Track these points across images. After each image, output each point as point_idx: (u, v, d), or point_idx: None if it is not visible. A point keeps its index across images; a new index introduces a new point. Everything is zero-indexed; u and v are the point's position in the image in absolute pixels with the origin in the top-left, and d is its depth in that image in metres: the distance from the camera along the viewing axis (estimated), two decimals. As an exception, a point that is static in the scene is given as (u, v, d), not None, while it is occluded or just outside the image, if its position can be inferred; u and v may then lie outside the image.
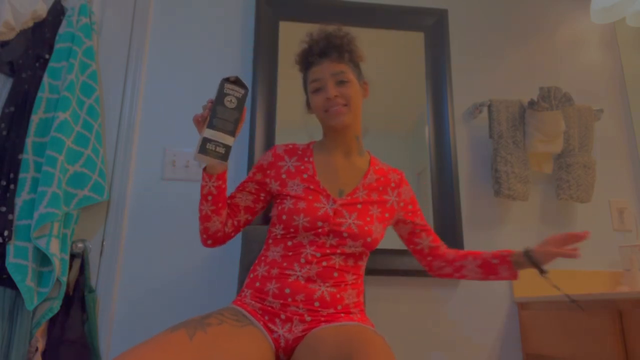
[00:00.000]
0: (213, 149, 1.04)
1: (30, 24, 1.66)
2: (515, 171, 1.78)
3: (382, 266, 1.69)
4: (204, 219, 1.15)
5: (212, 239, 1.18)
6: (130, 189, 1.69)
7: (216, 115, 1.05)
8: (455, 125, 1.93)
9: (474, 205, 1.85)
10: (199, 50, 1.86)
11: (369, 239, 1.14)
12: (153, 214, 1.68)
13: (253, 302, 1.10)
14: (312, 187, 1.18)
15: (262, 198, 1.25)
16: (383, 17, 1.97)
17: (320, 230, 1.12)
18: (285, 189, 1.19)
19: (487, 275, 1.21)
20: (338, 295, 1.10)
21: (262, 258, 1.17)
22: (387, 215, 1.22)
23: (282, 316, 1.06)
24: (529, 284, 1.77)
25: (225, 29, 1.90)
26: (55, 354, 1.43)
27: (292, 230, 1.13)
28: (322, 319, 1.07)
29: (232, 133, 1.06)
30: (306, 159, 1.23)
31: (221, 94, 1.06)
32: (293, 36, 1.90)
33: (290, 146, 1.28)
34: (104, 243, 1.61)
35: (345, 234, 1.12)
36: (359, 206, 1.17)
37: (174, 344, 0.84)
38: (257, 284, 1.12)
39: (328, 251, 1.11)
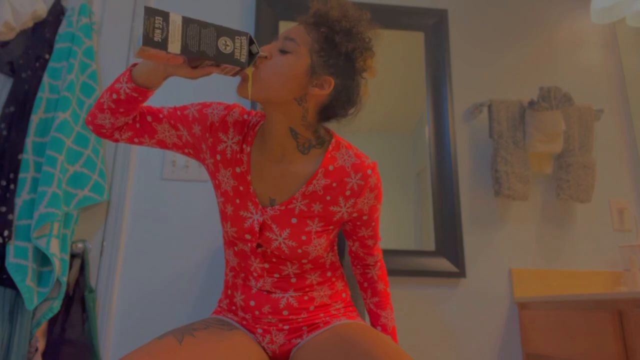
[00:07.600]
0: (154, 25, 0.74)
1: (30, 24, 1.66)
2: (515, 171, 1.78)
3: (382, 266, 1.69)
4: (99, 106, 0.93)
5: (94, 126, 0.96)
6: (130, 189, 1.69)
7: (203, 27, 0.79)
8: (455, 125, 1.93)
9: (474, 205, 1.85)
10: (199, 50, 1.86)
11: (304, 261, 0.98)
12: (153, 214, 1.68)
13: (230, 315, 1.04)
14: (242, 187, 0.97)
15: (186, 151, 1.02)
16: (383, 17, 1.97)
17: (249, 244, 0.97)
18: (217, 175, 1.00)
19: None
20: (306, 297, 1.01)
21: (226, 259, 1.08)
22: (331, 227, 1.00)
23: (259, 330, 1.00)
24: (529, 284, 1.77)
25: (225, 29, 1.90)
26: (55, 354, 1.43)
27: (227, 234, 1.01)
28: (301, 324, 1.00)
29: (186, 52, 0.77)
30: (244, 147, 0.99)
31: (231, 32, 0.82)
32: (293, 36, 1.90)
33: (245, 116, 1.01)
34: (104, 243, 1.61)
35: (276, 252, 0.96)
36: (294, 220, 0.96)
37: (163, 349, 0.82)
38: (229, 292, 1.05)
39: (274, 260, 0.98)
